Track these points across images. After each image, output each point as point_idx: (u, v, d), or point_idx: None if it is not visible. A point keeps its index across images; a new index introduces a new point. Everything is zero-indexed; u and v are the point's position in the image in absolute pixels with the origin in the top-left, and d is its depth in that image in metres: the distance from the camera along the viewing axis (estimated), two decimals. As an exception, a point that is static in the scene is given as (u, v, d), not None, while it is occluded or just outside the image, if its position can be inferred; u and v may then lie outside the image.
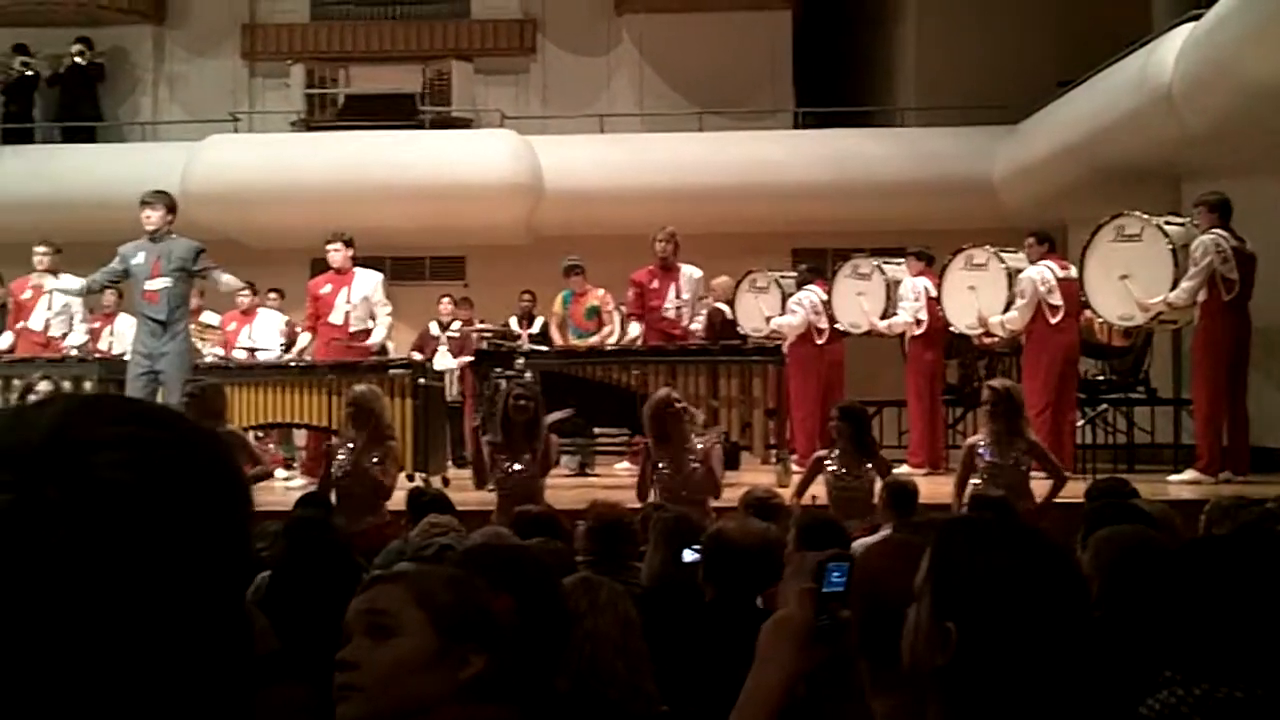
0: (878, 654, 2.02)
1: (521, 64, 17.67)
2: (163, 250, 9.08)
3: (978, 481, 7.60)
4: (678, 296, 11.13)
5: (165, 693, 0.86)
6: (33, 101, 16.93)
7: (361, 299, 10.71)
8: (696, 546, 3.93)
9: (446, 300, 13.64)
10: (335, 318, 10.72)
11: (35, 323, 11.40)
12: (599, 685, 2.78)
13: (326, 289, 10.78)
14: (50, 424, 0.88)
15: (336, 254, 10.73)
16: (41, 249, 11.40)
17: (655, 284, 11.15)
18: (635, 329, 11.23)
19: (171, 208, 9.23)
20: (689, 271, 11.25)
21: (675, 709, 3.15)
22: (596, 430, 11.95)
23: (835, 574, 2.00)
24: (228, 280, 9.42)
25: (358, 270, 10.85)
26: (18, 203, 15.03)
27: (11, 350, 11.33)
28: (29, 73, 16.74)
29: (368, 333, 10.74)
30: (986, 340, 11.38)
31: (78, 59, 16.65)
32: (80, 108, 16.73)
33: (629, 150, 15.77)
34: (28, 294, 11.48)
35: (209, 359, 11.40)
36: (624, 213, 14.47)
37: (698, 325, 11.27)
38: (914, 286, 11.42)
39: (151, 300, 9.08)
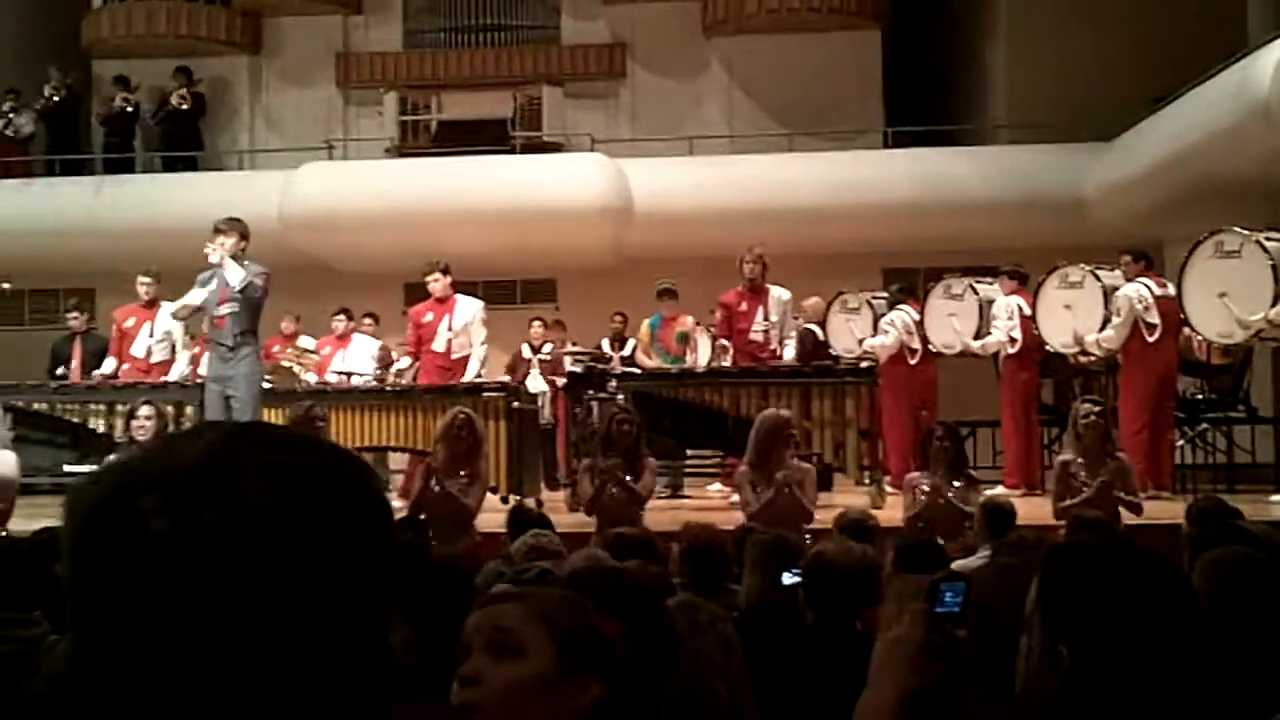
0: (990, 677, 2.02)
1: (611, 88, 17.77)
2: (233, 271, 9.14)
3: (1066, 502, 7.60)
4: (766, 319, 11.06)
5: (310, 708, 0.89)
6: (134, 132, 17.27)
7: (463, 326, 10.81)
8: (796, 569, 3.94)
9: (538, 323, 13.72)
10: (438, 345, 10.84)
11: (138, 350, 11.62)
12: (700, 708, 2.79)
13: (429, 317, 10.89)
14: (202, 452, 0.91)
15: (436, 284, 10.85)
16: (145, 279, 11.63)
17: (743, 306, 11.09)
18: (721, 345, 11.19)
19: (244, 235, 9.21)
20: (777, 293, 11.18)
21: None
22: (688, 451, 11.96)
23: (949, 594, 2.00)
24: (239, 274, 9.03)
25: (459, 297, 10.96)
26: (120, 231, 15.38)
27: (115, 376, 11.54)
28: (129, 109, 17.07)
29: (467, 360, 10.82)
30: (1082, 359, 11.25)
31: (179, 93, 16.93)
32: (181, 138, 17.04)
33: (719, 172, 15.79)
34: (130, 322, 11.71)
35: (305, 383, 11.59)
36: (714, 234, 14.49)
37: (789, 351, 11.16)
38: (1007, 305, 11.33)
39: (219, 325, 9.20)
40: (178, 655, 0.87)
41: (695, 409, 10.24)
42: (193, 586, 0.87)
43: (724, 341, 11.16)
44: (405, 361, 11.28)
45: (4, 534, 7.46)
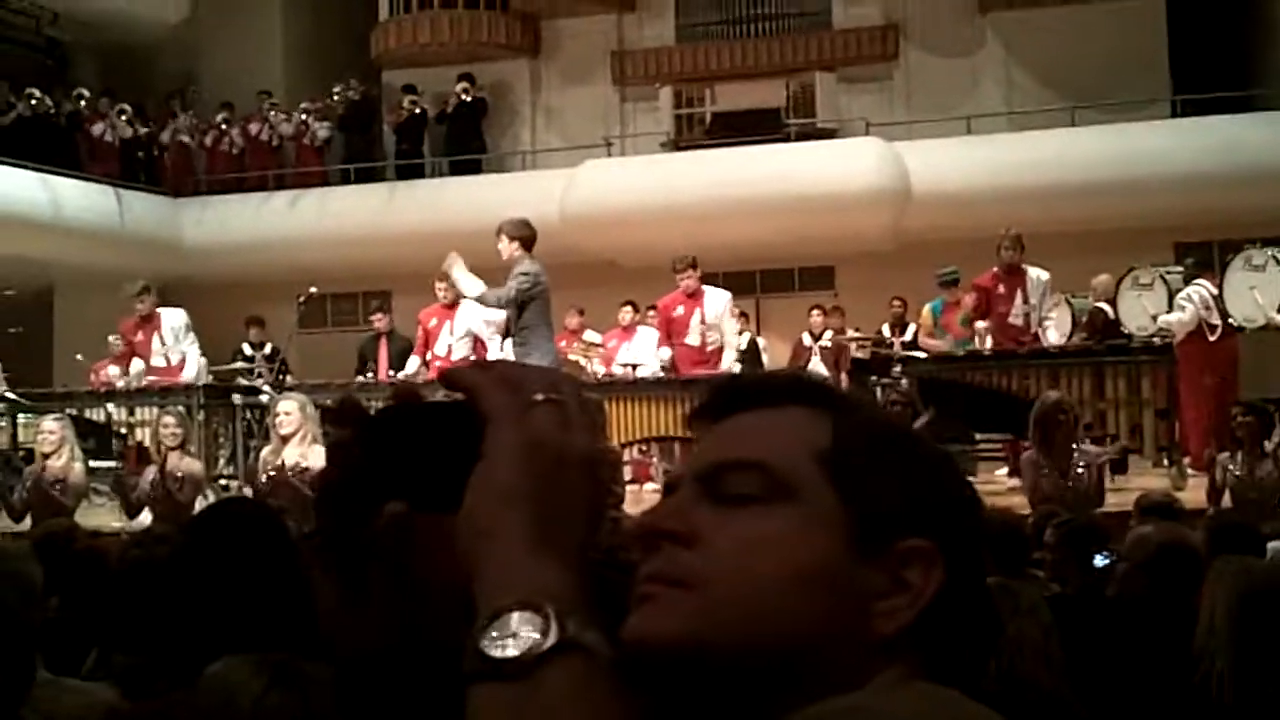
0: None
1: (884, 71, 17.62)
2: (511, 274, 9.45)
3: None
4: (1025, 302, 10.74)
5: None
6: (422, 138, 17.97)
7: (715, 318, 10.89)
8: (1106, 551, 3.88)
9: (817, 311, 13.72)
10: (691, 339, 10.93)
11: (440, 348, 11.98)
12: (1020, 691, 2.79)
13: (679, 311, 11.00)
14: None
15: (688, 279, 10.92)
16: (443, 285, 11.99)
17: (1001, 289, 10.76)
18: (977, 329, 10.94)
19: (514, 236, 9.44)
20: (1035, 274, 10.82)
21: (1092, 715, 3.12)
22: (978, 435, 11.78)
23: None
24: (476, 286, 9.46)
25: (708, 290, 11.03)
26: (412, 235, 16.00)
27: (415, 375, 11.94)
28: (417, 111, 17.78)
29: (722, 350, 10.90)
30: (1397, 331, 10.64)
31: (463, 96, 17.57)
32: (466, 141, 17.66)
33: (998, 150, 15.52)
34: (434, 322, 12.09)
35: (593, 375, 11.84)
36: (994, 214, 14.18)
37: (1050, 334, 10.78)
38: (1314, 276, 10.80)
39: (508, 322, 9.51)
40: None
41: (983, 392, 10.10)
42: None
43: (981, 324, 10.89)
44: (666, 353, 11.39)
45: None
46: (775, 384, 1.04)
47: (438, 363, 11.82)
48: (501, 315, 11.11)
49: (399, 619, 0.99)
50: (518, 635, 0.85)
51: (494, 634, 0.85)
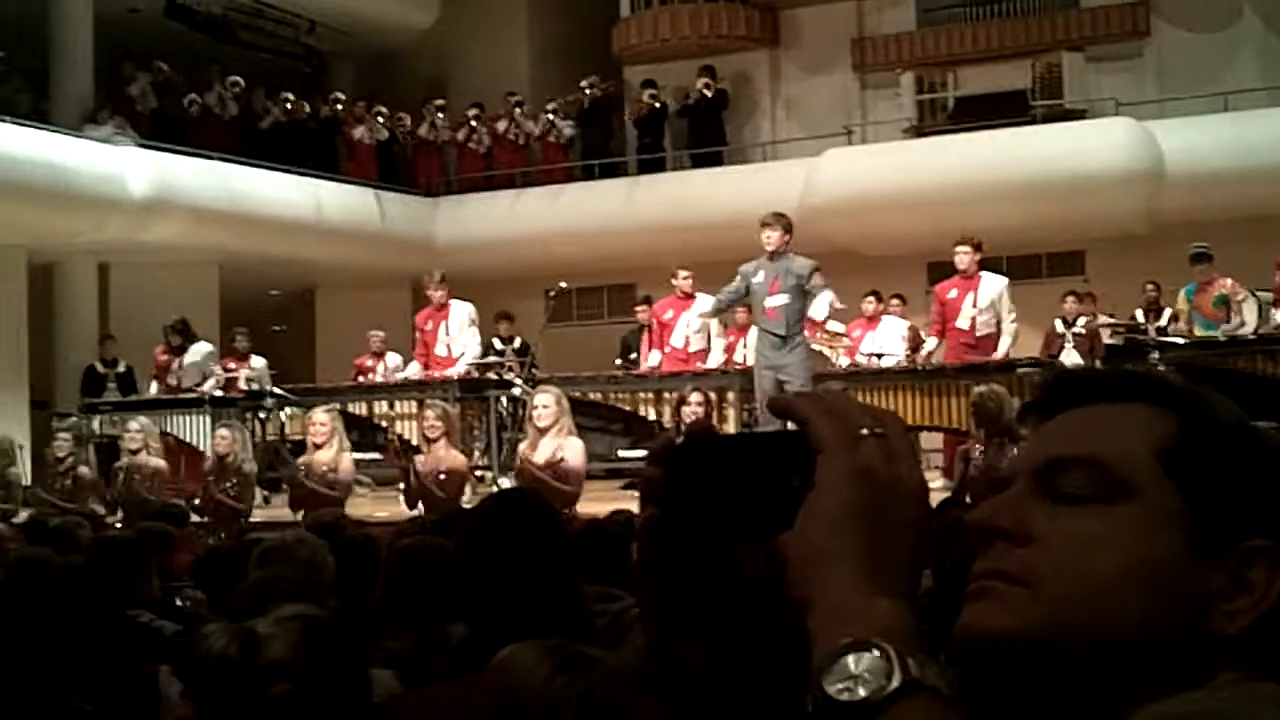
0: None
1: (1134, 48, 17.09)
2: (780, 268, 9.50)
3: None
4: None
5: None
6: (663, 132, 18.16)
7: (989, 302, 10.72)
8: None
9: (1071, 298, 13.45)
10: (962, 322, 10.79)
11: (677, 340, 12.14)
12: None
13: (953, 294, 10.87)
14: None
15: (964, 257, 10.79)
16: (684, 273, 12.15)
17: None
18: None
19: (788, 228, 9.60)
20: None
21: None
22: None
23: None
24: (824, 303, 9.66)
25: (983, 275, 10.88)
26: (654, 227, 16.22)
27: (658, 367, 12.13)
28: (658, 105, 17.97)
29: (993, 337, 10.71)
30: None
31: (704, 89, 17.69)
32: (707, 134, 17.78)
33: (1257, 127, 14.89)
34: (669, 314, 12.24)
35: (837, 366, 11.81)
36: (1253, 194, 13.76)
37: None
38: None
39: (771, 316, 9.54)
40: None
41: (1247, 378, 9.76)
42: None
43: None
44: (933, 342, 11.28)
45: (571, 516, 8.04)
46: (1114, 379, 1.04)
47: (679, 355, 11.97)
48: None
49: (725, 647, 1.03)
50: (862, 677, 0.85)
51: (836, 674, 0.85)
